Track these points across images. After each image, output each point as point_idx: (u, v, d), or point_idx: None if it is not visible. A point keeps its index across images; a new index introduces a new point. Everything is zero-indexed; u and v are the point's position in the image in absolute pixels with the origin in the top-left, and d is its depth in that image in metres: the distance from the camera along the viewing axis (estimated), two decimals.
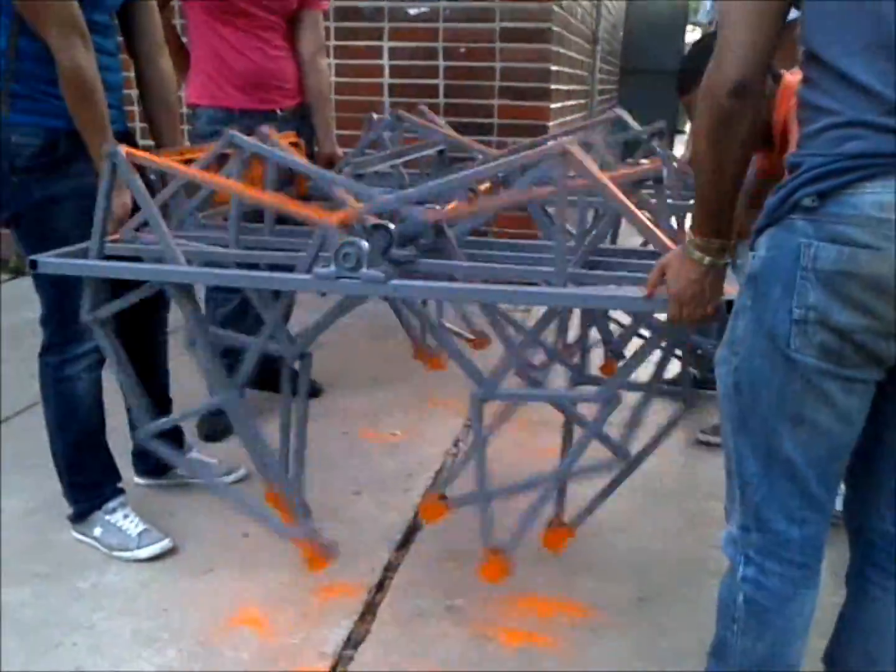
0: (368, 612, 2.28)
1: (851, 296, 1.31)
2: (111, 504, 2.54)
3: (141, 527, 2.52)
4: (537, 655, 2.13)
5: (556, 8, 4.79)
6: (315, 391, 3.55)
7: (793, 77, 2.06)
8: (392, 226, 1.96)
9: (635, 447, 2.15)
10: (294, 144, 3.02)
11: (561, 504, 2.27)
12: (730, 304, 1.61)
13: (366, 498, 2.80)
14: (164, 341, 2.76)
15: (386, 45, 4.90)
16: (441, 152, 3.02)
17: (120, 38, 2.43)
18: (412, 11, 4.79)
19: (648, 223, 1.86)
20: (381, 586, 2.39)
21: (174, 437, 2.86)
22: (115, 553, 2.48)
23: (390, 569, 2.46)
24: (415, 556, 2.53)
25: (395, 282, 1.86)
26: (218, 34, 3.08)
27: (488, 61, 4.78)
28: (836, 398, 1.40)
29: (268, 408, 3.24)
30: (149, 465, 2.81)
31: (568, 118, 5.62)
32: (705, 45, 2.39)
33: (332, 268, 1.85)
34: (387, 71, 4.94)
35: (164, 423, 2.31)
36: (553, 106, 4.96)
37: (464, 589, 2.36)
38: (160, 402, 2.75)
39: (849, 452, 1.49)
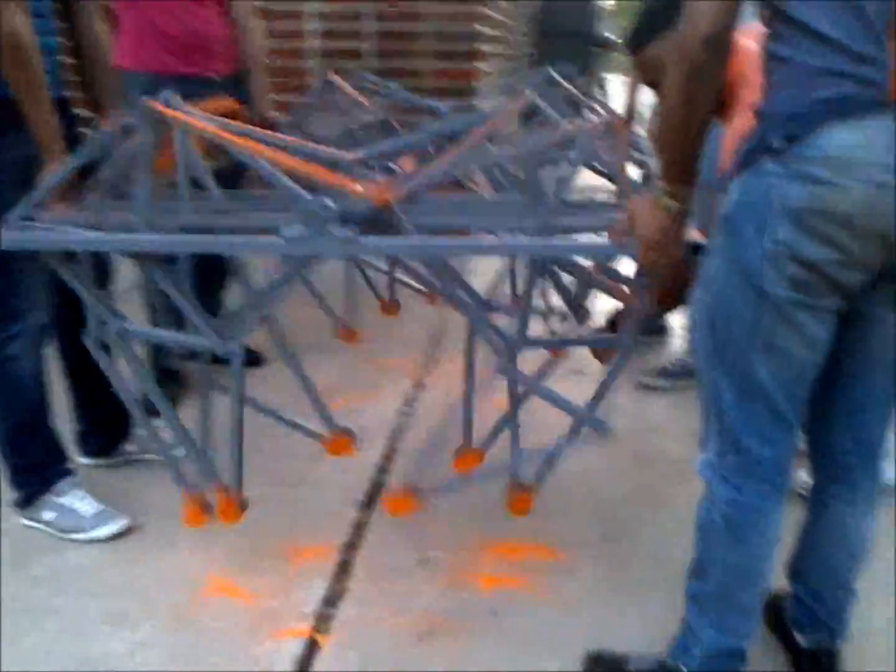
0: (342, 571, 2.25)
1: (818, 230, 1.38)
2: (60, 485, 2.44)
3: (95, 507, 2.43)
4: (514, 597, 2.15)
5: None
6: (258, 360, 3.48)
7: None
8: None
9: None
10: (235, 111, 2.96)
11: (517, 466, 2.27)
12: (694, 248, 1.69)
13: (326, 462, 2.75)
14: None
15: (311, 5, 4.80)
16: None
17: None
18: None
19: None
20: (351, 546, 2.36)
21: (120, 416, 2.78)
22: (71, 536, 2.39)
23: (359, 528, 2.44)
24: (381, 514, 2.50)
25: (365, 239, 1.83)
26: None
27: (417, 23, 4.73)
28: (805, 326, 1.48)
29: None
30: (94, 444, 2.72)
31: (495, 80, 5.60)
32: (657, 7, 2.39)
33: (302, 228, 1.81)
34: (313, 35, 4.84)
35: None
36: (482, 67, 4.94)
37: (434, 542, 2.36)
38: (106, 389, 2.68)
39: (813, 377, 1.57)
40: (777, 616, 1.91)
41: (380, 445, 2.87)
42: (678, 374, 3.23)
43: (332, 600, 2.14)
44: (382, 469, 2.74)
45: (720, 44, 1.42)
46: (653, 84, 2.41)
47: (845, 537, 1.75)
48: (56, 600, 2.16)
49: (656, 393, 3.22)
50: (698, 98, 1.48)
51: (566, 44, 9.68)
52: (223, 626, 2.06)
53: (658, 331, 3.55)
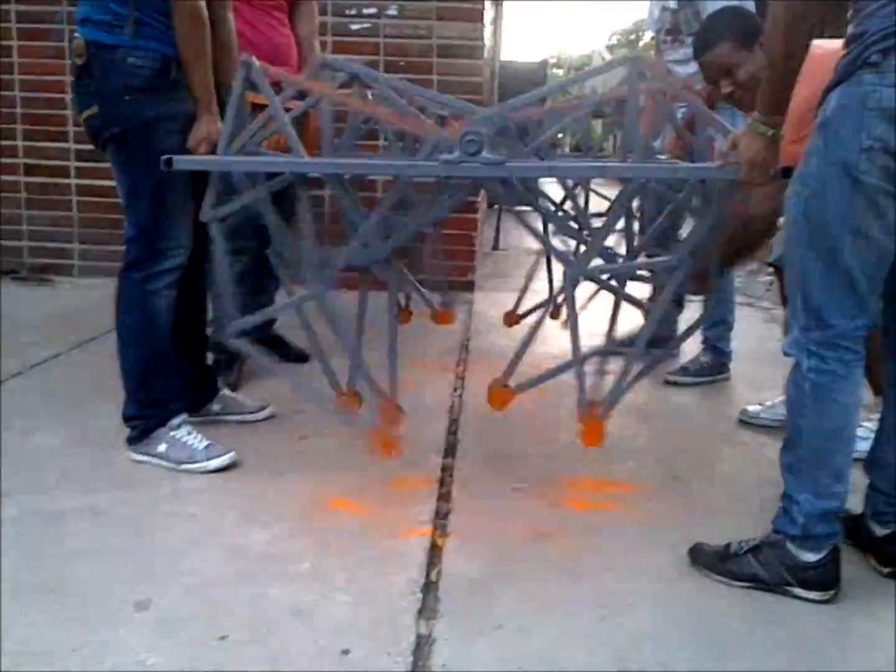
0: (442, 498, 2.49)
1: None
2: (175, 420, 2.66)
3: (205, 441, 2.64)
4: (608, 515, 2.42)
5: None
6: (303, 356, 3.72)
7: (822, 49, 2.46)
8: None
9: None
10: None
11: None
12: (785, 170, 2.04)
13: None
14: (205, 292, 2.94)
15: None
16: None
17: None
18: (354, 27, 5.12)
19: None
20: (445, 480, 2.61)
21: (208, 378, 3.01)
22: (183, 466, 2.59)
23: (446, 469, 2.69)
24: (463, 460, 2.77)
25: (511, 163, 2.15)
26: (235, 10, 3.30)
27: (426, 74, 5.16)
28: (888, 213, 1.83)
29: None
30: (186, 400, 2.91)
31: None
32: (719, 17, 2.82)
33: (457, 153, 2.13)
34: None
35: (251, 320, 2.49)
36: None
37: (518, 478, 2.63)
38: (198, 342, 2.92)
39: (890, 262, 1.90)
40: (849, 523, 2.15)
41: (443, 419, 3.14)
42: (696, 373, 3.62)
43: (441, 514, 2.39)
44: (452, 432, 3.02)
45: None
46: (714, 80, 2.80)
47: None
48: (188, 508, 2.37)
49: (679, 387, 3.57)
50: (796, 40, 1.86)
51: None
52: (351, 528, 2.29)
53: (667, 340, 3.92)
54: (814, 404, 1.94)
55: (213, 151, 2.48)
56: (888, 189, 1.79)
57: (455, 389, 3.50)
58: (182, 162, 2.22)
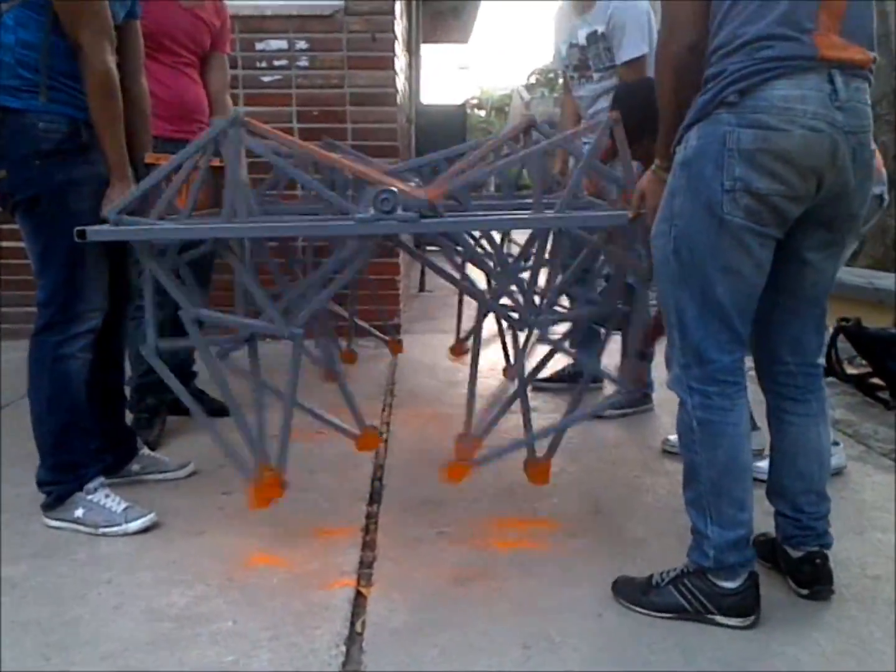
0: (367, 547, 2.48)
1: (766, 167, 1.80)
2: (92, 484, 2.60)
3: (124, 504, 2.59)
4: (531, 554, 2.42)
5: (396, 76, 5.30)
6: (224, 410, 3.66)
7: None
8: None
9: None
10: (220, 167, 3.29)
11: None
12: None
13: (323, 475, 2.99)
14: (124, 339, 2.89)
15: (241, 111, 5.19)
16: None
17: None
18: (266, 79, 5.13)
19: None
20: (369, 527, 2.60)
21: (127, 438, 2.96)
22: (102, 530, 2.54)
23: (371, 516, 2.68)
24: (388, 506, 2.76)
25: (425, 220, 2.17)
26: (146, 68, 3.28)
27: (340, 123, 5.18)
28: (754, 251, 1.88)
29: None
30: (105, 462, 2.86)
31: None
32: (630, 116, 2.80)
33: (371, 212, 2.14)
34: None
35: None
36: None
37: (443, 521, 2.63)
38: (117, 401, 2.88)
39: (758, 297, 1.96)
40: (769, 546, 2.22)
41: (368, 466, 3.12)
42: (620, 405, 3.65)
43: (366, 563, 2.37)
44: (377, 478, 3.00)
45: (699, 48, 1.87)
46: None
47: (808, 447, 2.11)
48: (105, 575, 2.32)
49: (603, 420, 3.61)
50: (684, 89, 1.92)
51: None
52: (273, 583, 2.26)
53: (595, 379, 3.96)
54: (703, 440, 1.98)
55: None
56: (754, 228, 1.85)
57: (380, 434, 3.48)
58: (94, 233, 2.19)
